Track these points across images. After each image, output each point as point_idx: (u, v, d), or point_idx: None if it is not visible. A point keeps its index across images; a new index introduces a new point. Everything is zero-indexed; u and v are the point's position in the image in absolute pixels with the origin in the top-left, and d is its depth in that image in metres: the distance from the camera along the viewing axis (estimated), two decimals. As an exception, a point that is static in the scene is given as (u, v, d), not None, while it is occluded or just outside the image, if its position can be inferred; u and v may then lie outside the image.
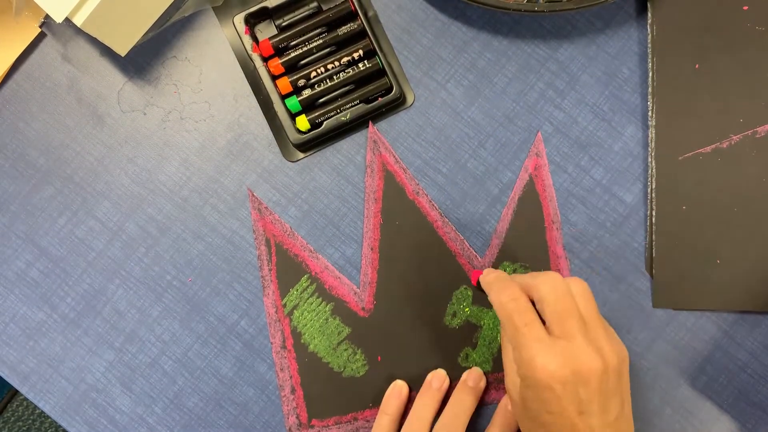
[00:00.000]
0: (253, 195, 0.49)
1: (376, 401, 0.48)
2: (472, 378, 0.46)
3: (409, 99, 0.49)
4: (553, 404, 0.36)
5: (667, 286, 0.47)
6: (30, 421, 1.02)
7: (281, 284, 0.48)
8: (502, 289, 0.39)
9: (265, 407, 0.48)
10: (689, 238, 0.46)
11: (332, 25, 0.48)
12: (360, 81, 0.48)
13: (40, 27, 0.50)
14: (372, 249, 0.48)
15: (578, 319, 0.36)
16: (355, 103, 0.47)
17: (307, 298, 0.48)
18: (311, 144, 0.49)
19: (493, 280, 0.41)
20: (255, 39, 0.48)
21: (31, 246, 0.50)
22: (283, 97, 0.48)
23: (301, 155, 0.49)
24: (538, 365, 0.35)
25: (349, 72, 0.48)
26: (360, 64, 0.48)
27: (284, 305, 0.48)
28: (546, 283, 0.37)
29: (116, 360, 0.49)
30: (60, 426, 0.65)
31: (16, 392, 1.03)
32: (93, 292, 0.49)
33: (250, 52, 0.48)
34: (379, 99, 0.47)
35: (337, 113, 0.47)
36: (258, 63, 0.47)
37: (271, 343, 0.48)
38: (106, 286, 0.49)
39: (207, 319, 0.49)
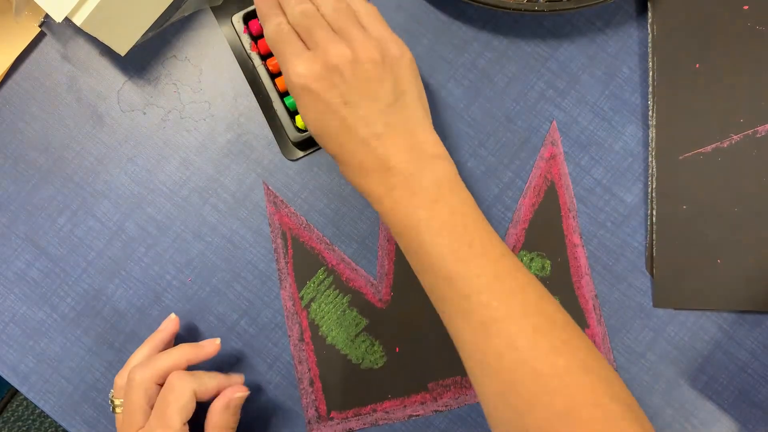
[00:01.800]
0: (268, 188, 0.49)
1: (396, 392, 0.48)
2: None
3: None
4: (318, 103, 0.36)
5: (667, 285, 0.47)
6: (30, 421, 1.02)
7: (298, 277, 0.48)
8: (267, 18, 0.39)
9: (264, 406, 0.48)
10: (689, 237, 0.46)
11: None
12: None
13: (40, 27, 0.50)
14: (388, 240, 0.48)
15: (322, 24, 0.37)
16: None
17: (324, 291, 0.48)
18: (311, 142, 0.48)
19: (260, 9, 0.40)
20: (253, 38, 0.48)
21: (31, 246, 0.50)
22: (282, 96, 0.48)
23: (300, 153, 0.49)
24: (292, 73, 0.36)
25: None
26: None
27: (301, 298, 0.48)
28: (297, 4, 0.38)
29: (116, 360, 0.49)
30: (60, 426, 0.65)
31: (16, 392, 1.03)
32: (93, 292, 0.49)
33: (248, 51, 0.48)
34: None
35: None
36: (257, 61, 0.47)
37: (289, 336, 0.48)
38: (106, 286, 0.49)
39: (207, 318, 0.49)
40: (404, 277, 0.48)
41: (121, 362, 0.49)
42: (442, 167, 0.37)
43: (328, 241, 0.48)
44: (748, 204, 0.46)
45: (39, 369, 0.49)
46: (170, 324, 0.46)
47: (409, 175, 0.36)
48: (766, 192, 0.46)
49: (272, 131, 0.49)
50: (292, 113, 0.48)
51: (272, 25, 0.39)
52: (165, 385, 0.42)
